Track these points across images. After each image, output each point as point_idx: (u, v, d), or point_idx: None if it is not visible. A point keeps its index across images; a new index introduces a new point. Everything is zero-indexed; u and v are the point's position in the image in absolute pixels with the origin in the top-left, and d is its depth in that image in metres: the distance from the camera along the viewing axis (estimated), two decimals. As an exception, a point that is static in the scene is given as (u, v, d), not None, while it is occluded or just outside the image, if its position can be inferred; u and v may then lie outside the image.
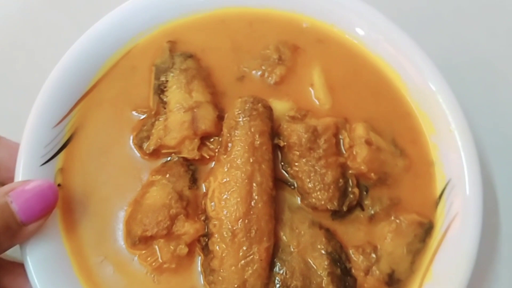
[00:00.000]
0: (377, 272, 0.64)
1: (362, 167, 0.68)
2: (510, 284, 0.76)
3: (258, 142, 0.65)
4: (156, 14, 0.74)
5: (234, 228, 0.61)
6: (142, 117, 0.70)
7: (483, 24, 0.93)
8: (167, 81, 0.70)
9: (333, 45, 0.77)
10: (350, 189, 0.67)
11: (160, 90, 0.70)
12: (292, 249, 0.64)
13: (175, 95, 0.68)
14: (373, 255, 0.65)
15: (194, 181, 0.66)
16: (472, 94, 0.85)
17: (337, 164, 0.67)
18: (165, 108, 0.68)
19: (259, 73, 0.73)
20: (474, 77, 0.89)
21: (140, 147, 0.67)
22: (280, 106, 0.71)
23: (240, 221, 0.61)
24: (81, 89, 0.69)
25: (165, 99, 0.69)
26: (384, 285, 0.64)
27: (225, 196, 0.63)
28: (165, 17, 0.74)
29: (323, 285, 0.62)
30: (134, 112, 0.70)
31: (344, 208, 0.66)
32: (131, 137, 0.68)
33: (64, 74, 0.68)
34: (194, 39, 0.75)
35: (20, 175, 0.62)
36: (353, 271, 0.64)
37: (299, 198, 0.67)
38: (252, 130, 0.65)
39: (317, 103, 0.73)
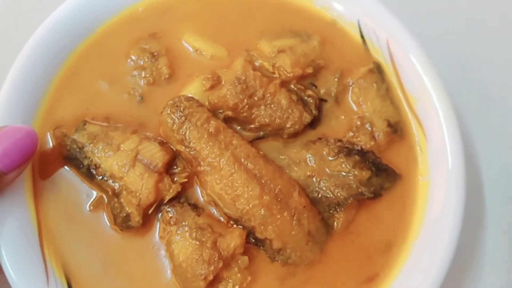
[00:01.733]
0: (381, 133, 0.67)
1: (296, 72, 0.69)
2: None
3: (213, 128, 0.63)
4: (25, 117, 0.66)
5: (264, 205, 0.60)
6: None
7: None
8: (91, 159, 0.64)
9: (177, 5, 0.74)
10: (305, 96, 0.68)
11: (93, 172, 0.64)
12: (314, 179, 0.64)
13: (112, 162, 0.63)
14: (367, 124, 0.68)
15: (196, 207, 0.63)
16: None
17: (278, 87, 0.67)
18: (114, 181, 0.63)
19: (151, 80, 0.69)
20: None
21: (129, 227, 0.62)
22: (194, 89, 0.68)
23: (264, 196, 0.60)
24: (32, 237, 0.62)
25: (106, 175, 0.63)
26: (393, 135, 0.68)
27: (235, 192, 0.61)
28: (31, 113, 0.67)
29: (359, 176, 0.64)
30: (88, 210, 0.64)
31: (315, 112, 0.67)
32: (112, 229, 0.63)
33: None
34: (70, 108, 0.68)
35: None
36: (364, 147, 0.67)
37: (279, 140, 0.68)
38: (199, 124, 0.63)
39: (215, 59, 0.71)
